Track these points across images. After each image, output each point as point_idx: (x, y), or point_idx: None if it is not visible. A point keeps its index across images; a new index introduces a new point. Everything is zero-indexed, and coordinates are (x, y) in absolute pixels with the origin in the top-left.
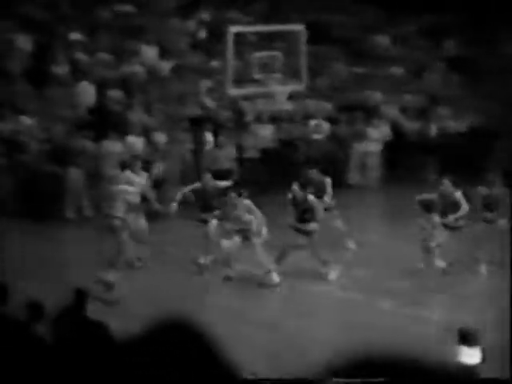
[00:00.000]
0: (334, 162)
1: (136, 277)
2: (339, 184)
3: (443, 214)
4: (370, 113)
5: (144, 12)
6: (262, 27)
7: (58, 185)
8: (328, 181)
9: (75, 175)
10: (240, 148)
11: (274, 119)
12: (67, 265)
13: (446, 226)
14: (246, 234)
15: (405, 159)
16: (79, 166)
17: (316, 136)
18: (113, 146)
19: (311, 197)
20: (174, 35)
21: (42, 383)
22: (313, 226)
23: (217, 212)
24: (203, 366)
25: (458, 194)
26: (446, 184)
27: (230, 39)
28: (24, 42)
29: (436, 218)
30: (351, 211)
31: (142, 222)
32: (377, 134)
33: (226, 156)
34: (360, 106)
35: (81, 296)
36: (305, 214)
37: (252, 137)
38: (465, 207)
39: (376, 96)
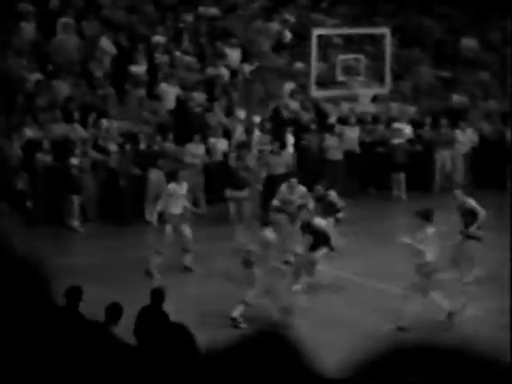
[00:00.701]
0: (418, 166)
1: None
2: (425, 188)
3: (466, 226)
4: (456, 118)
5: (228, 14)
6: (347, 30)
7: (140, 188)
8: (334, 195)
9: (157, 178)
10: (322, 150)
11: (358, 121)
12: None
13: (470, 236)
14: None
15: (488, 165)
16: (161, 169)
17: (397, 140)
18: (195, 149)
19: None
20: (257, 37)
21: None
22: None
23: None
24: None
25: (471, 202)
26: (458, 194)
27: (314, 41)
28: (108, 45)
29: (430, 230)
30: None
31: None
32: (463, 140)
33: (283, 161)
34: (445, 110)
35: (158, 296)
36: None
37: (335, 139)
38: (482, 213)
39: (462, 100)
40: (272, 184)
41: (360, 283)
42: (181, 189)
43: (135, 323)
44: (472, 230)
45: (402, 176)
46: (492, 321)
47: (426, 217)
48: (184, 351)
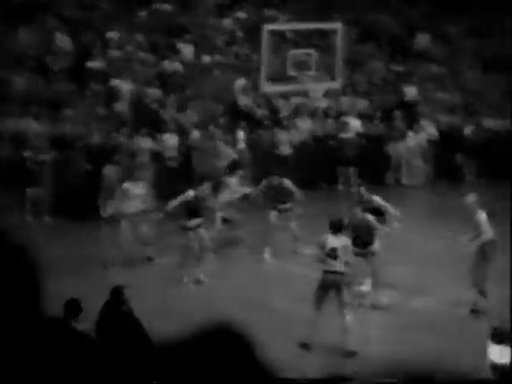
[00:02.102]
0: (369, 160)
1: None
2: (378, 182)
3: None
4: (409, 111)
5: (182, 10)
6: (298, 25)
7: (95, 183)
8: (288, 183)
9: (112, 173)
10: (274, 145)
11: (309, 116)
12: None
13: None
14: None
15: (444, 159)
16: (115, 164)
17: (346, 134)
18: (146, 143)
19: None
20: (210, 33)
21: (84, 378)
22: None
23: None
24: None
25: (483, 217)
26: (362, 191)
27: (266, 37)
28: (63, 41)
29: (344, 240)
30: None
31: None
32: (418, 133)
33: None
34: (398, 104)
35: (117, 293)
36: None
37: (286, 134)
38: (486, 234)
39: (414, 94)
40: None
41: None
42: (136, 188)
43: (97, 319)
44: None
45: (351, 170)
46: None
47: (338, 228)
48: (135, 342)
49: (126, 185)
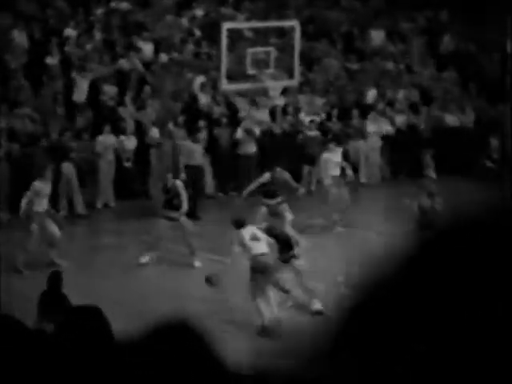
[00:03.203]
0: None
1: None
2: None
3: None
4: (366, 109)
5: (139, 8)
6: (256, 23)
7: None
8: (288, 175)
9: (69, 171)
10: (234, 144)
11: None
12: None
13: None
14: None
15: (401, 155)
16: (72, 161)
17: (310, 133)
18: (106, 140)
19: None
20: (168, 31)
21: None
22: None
23: None
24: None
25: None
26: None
27: (224, 35)
28: (20, 38)
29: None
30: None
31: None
32: (375, 130)
33: (200, 151)
34: (355, 101)
35: (55, 279)
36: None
37: (245, 134)
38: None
39: (371, 91)
40: (191, 173)
41: None
42: (47, 187)
43: (38, 309)
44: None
45: (310, 168)
46: None
47: (239, 225)
48: (96, 336)
49: (37, 183)
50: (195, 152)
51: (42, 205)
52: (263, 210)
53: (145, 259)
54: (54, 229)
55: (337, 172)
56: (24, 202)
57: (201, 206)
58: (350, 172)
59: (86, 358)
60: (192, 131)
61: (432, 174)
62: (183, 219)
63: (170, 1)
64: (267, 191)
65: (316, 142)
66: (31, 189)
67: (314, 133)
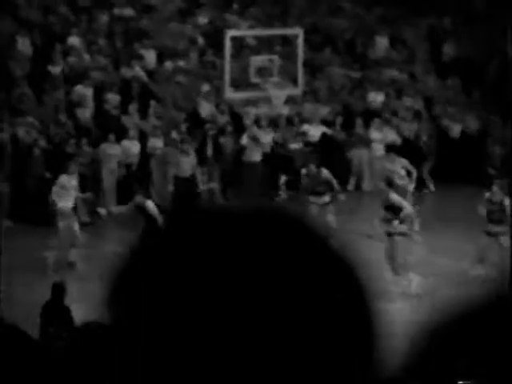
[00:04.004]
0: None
1: None
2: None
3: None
4: (370, 117)
5: (143, 16)
6: (260, 31)
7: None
8: (326, 172)
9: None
10: (238, 152)
11: (272, 123)
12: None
13: (392, 234)
14: None
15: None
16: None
17: (295, 145)
18: (110, 150)
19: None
20: (172, 39)
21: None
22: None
23: None
24: None
25: (395, 197)
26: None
27: (228, 43)
28: (24, 45)
29: None
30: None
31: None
32: (379, 138)
33: (189, 161)
34: (359, 110)
35: (59, 289)
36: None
37: (251, 141)
38: (408, 209)
39: (375, 99)
40: (180, 184)
41: None
42: (73, 181)
43: (41, 319)
44: (395, 225)
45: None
46: None
47: None
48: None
49: (62, 178)
50: (184, 163)
51: (69, 199)
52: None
53: None
54: (77, 228)
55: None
56: (52, 198)
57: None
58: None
59: (92, 373)
60: (183, 141)
61: (431, 187)
62: None
63: (173, 8)
64: (313, 189)
65: (300, 154)
66: (57, 183)
67: (296, 145)
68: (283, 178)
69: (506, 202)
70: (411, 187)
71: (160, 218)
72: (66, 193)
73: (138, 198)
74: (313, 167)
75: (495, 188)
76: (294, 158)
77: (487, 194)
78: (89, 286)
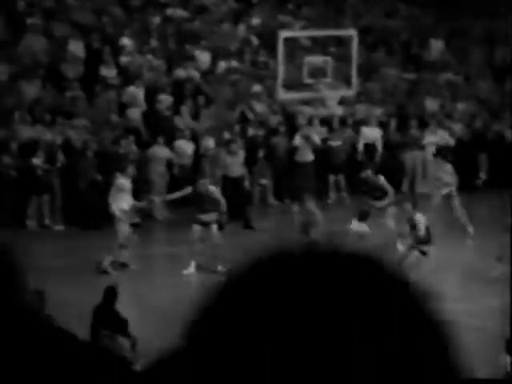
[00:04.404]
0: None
1: None
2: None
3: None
4: (424, 119)
5: (196, 17)
6: (313, 32)
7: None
8: (382, 179)
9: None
10: (291, 152)
11: (325, 124)
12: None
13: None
14: None
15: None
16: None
17: (335, 142)
18: (159, 152)
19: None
20: (225, 40)
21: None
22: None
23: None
24: None
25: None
26: (407, 207)
27: (281, 43)
28: (76, 48)
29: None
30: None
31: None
32: (434, 141)
33: (237, 162)
34: (413, 112)
35: (111, 293)
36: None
37: (303, 141)
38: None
39: (429, 102)
40: (229, 185)
41: None
42: (128, 183)
43: (91, 321)
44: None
45: (340, 177)
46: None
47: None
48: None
49: (119, 180)
50: (232, 164)
51: (126, 201)
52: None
53: (188, 270)
54: (126, 229)
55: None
56: (109, 200)
57: (256, 214)
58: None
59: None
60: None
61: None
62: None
63: (226, 9)
64: (374, 193)
65: (340, 152)
66: (114, 185)
67: (337, 143)
68: (332, 178)
69: None
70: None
71: (223, 201)
72: (123, 195)
73: (201, 185)
74: (370, 173)
75: None
76: (337, 157)
77: None
78: (141, 288)
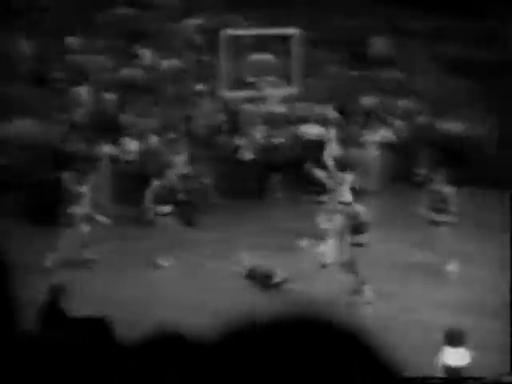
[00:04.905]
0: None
1: None
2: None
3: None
4: (367, 116)
5: (142, 15)
6: (257, 30)
7: (55, 189)
8: (323, 174)
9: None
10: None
11: (267, 122)
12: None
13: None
14: None
15: (404, 163)
16: (75, 170)
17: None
18: (107, 149)
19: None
20: (169, 38)
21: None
22: None
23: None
24: None
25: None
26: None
27: (225, 42)
28: (25, 46)
29: None
30: None
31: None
32: (375, 138)
33: (183, 160)
34: (356, 109)
35: (57, 292)
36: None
37: (246, 139)
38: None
39: (372, 99)
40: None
41: None
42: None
43: (38, 320)
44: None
45: (281, 175)
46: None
47: None
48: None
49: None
50: (178, 162)
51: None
52: None
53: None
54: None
55: None
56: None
57: (200, 212)
58: None
59: (89, 369)
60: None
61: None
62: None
63: (172, 7)
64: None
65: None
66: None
67: (279, 140)
68: (276, 177)
69: None
70: None
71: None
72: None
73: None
74: (311, 166)
75: None
76: (281, 155)
77: None
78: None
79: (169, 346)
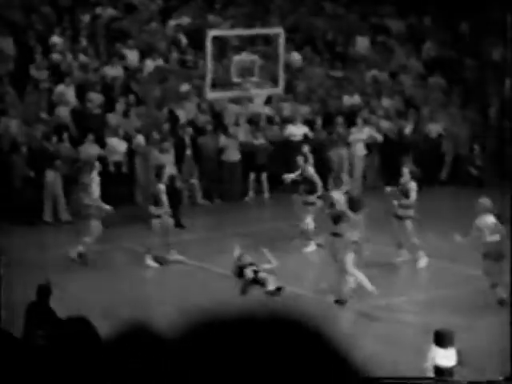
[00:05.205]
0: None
1: None
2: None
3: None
4: (350, 116)
5: (125, 16)
6: (241, 31)
7: (37, 188)
8: (312, 171)
9: (53, 179)
10: (220, 151)
11: (252, 122)
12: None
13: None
14: None
15: (386, 162)
16: (57, 170)
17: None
18: (89, 149)
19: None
20: (154, 39)
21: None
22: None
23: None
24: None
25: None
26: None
27: (209, 43)
28: (7, 45)
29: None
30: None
31: None
32: (360, 138)
33: (169, 160)
34: (339, 109)
35: (44, 291)
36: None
37: (231, 140)
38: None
39: (355, 99)
40: None
41: None
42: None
43: (25, 321)
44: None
45: (263, 176)
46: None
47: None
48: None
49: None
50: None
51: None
52: None
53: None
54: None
55: None
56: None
57: (187, 214)
58: None
59: (76, 369)
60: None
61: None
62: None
63: (154, 8)
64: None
65: (264, 151)
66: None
67: (261, 141)
68: (261, 177)
69: None
70: None
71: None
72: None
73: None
74: (301, 161)
75: None
76: (258, 155)
77: None
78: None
79: (132, 341)
